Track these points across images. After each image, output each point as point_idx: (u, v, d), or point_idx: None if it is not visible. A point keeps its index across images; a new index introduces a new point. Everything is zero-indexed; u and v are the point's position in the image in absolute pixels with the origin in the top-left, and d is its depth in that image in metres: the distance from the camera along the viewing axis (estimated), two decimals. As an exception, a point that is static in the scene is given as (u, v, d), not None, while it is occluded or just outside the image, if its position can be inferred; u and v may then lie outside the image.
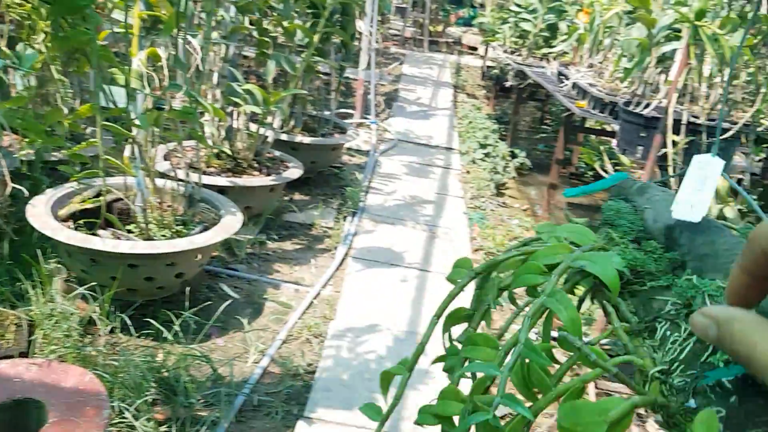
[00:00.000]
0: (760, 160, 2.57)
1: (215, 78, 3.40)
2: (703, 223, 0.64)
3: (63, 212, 2.60)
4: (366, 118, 6.25)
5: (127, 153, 2.60)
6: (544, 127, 7.41)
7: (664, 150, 2.06)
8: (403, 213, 4.20)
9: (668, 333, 0.57)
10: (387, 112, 6.85)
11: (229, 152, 3.53)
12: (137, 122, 2.15)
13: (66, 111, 2.16)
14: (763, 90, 2.10)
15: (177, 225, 2.70)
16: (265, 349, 2.63)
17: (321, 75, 4.65)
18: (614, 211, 0.72)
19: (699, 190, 0.67)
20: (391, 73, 9.06)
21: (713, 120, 2.14)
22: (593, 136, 5.46)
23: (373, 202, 4.31)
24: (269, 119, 3.65)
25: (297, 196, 4.25)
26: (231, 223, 2.75)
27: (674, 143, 2.08)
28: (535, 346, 0.56)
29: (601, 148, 4.67)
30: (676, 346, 0.55)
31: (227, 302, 2.83)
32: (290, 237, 3.69)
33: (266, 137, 3.68)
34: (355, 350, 2.66)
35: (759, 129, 2.24)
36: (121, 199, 2.67)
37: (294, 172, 3.72)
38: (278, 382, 2.46)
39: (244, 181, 3.40)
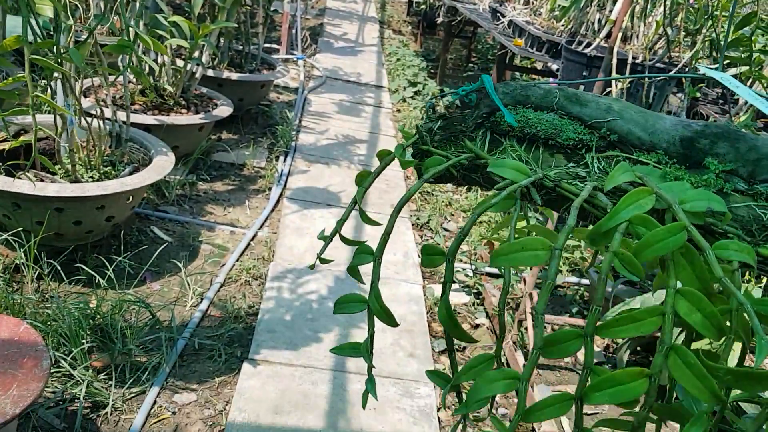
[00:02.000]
0: (692, 99, 2.66)
1: (137, 9, 3.19)
2: (728, 130, 0.65)
3: (-22, 153, 2.42)
4: (292, 54, 6.07)
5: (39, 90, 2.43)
6: (471, 65, 7.41)
7: (608, 89, 2.10)
8: (337, 152, 4.14)
9: None
10: (313, 47, 6.68)
11: (155, 88, 3.36)
12: (68, 56, 1.99)
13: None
14: (703, 31, 2.15)
15: (105, 166, 2.56)
16: (204, 292, 2.57)
17: (248, 7, 4.45)
18: (546, 124, 0.72)
19: (756, 100, 0.68)
20: (315, 7, 8.80)
21: (652, 60, 2.19)
22: (520, 74, 5.50)
23: (306, 141, 4.22)
24: (197, 54, 3.48)
25: (225, 135, 4.11)
26: (163, 163, 2.64)
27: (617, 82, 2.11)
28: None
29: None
30: None
31: (162, 246, 2.74)
32: (221, 177, 3.58)
33: (194, 73, 3.51)
34: (296, 291, 2.64)
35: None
36: (44, 139, 2.50)
37: (224, 110, 3.59)
38: (219, 325, 2.42)
39: (172, 119, 3.25)
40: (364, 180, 0.79)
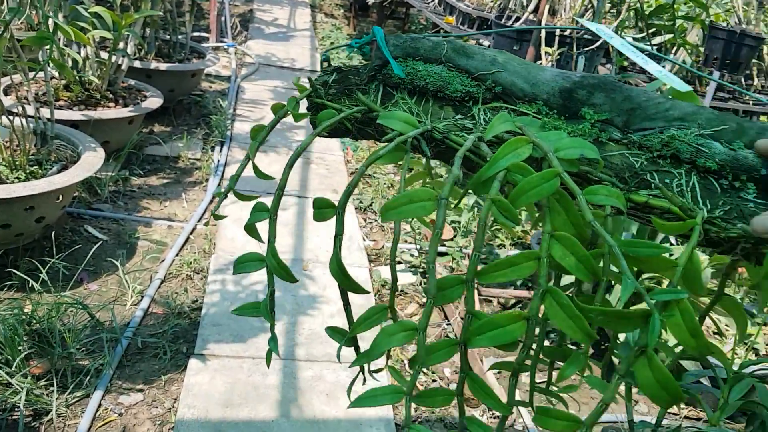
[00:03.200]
0: (618, 73, 2.72)
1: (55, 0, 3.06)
2: (605, 81, 0.66)
3: None
4: (222, 42, 5.94)
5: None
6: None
7: (539, 61, 2.12)
8: (275, 139, 4.08)
9: (667, 181, 0.61)
10: (244, 34, 6.55)
11: (81, 82, 3.24)
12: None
13: None
14: (627, 0, 2.19)
15: (31, 165, 2.46)
16: (144, 290, 2.51)
17: (172, -5, 4.33)
18: (434, 76, 0.73)
19: (647, 61, 0.69)
20: (244, -6, 8.63)
21: (580, 32, 2.22)
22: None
23: (241, 129, 4.15)
24: (122, 45, 3.36)
25: (158, 128, 4.00)
26: (92, 160, 2.54)
27: (547, 54, 2.13)
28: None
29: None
30: (684, 188, 0.59)
31: (96, 245, 2.65)
32: (156, 171, 3.49)
33: (120, 65, 3.40)
34: (240, 282, 2.60)
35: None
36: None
37: (153, 101, 3.49)
38: (163, 322, 2.36)
39: (100, 113, 3.14)
40: (258, 134, 0.78)
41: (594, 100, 0.67)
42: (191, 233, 2.93)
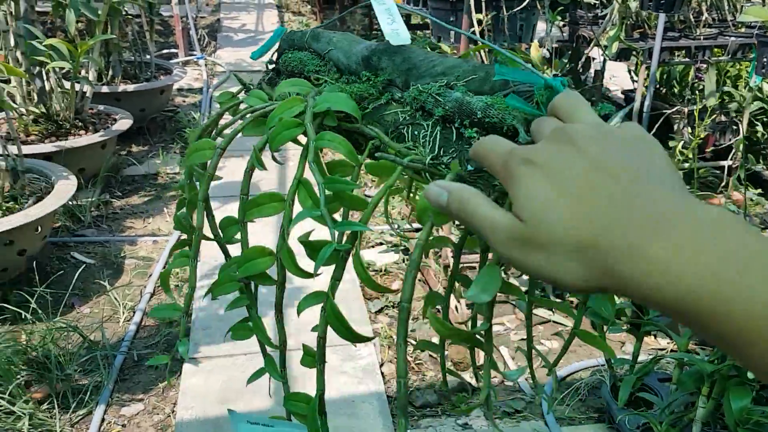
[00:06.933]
0: (564, 25, 2.75)
1: (11, 39, 3.13)
2: (394, 47, 0.73)
3: None
4: (192, 55, 5.99)
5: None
6: (374, 33, 7.43)
7: (472, 29, 2.17)
8: (251, 143, 4.13)
9: (416, 133, 0.67)
10: (213, 44, 6.60)
11: (47, 115, 3.30)
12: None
13: None
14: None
15: (6, 202, 2.53)
16: (135, 305, 2.58)
17: (131, 17, 4.39)
18: (297, 61, 0.83)
19: (393, 21, 0.75)
20: (210, 3, 8.67)
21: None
22: (415, 31, 5.55)
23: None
24: (83, 72, 3.42)
25: (135, 149, 4.06)
26: (65, 188, 2.61)
27: (480, 21, 2.18)
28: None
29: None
30: (429, 139, 0.65)
31: (85, 268, 2.72)
32: (136, 191, 3.56)
33: (84, 92, 3.46)
34: (226, 285, 2.67)
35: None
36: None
37: (123, 123, 3.55)
38: (155, 334, 2.44)
39: (71, 142, 3.21)
40: (225, 101, 0.87)
41: (382, 64, 0.73)
42: (175, 245, 3.00)
